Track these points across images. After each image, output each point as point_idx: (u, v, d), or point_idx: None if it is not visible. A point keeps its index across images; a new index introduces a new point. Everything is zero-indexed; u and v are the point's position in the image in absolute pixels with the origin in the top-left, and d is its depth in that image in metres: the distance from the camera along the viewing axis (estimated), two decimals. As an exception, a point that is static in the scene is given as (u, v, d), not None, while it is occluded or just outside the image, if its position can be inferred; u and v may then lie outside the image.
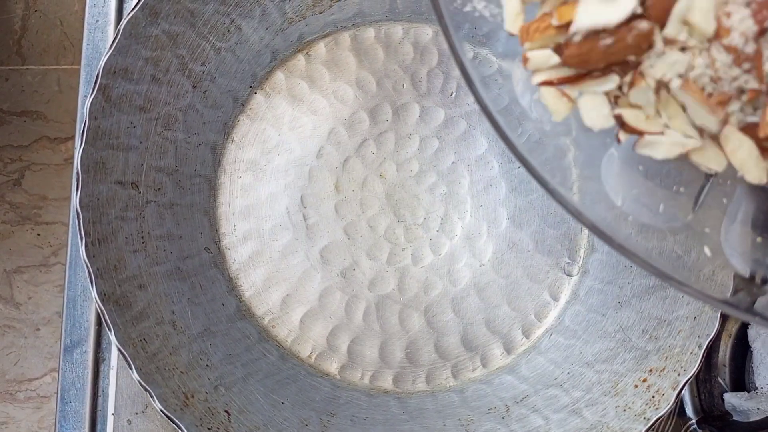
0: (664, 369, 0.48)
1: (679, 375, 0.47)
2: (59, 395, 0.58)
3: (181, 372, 0.46)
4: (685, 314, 0.49)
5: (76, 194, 0.45)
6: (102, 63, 0.46)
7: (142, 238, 0.49)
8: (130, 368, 0.44)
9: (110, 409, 0.57)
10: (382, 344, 0.57)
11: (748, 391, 0.57)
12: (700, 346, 0.47)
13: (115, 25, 0.60)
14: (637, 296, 0.53)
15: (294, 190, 0.59)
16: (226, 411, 0.47)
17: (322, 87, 0.60)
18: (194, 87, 0.53)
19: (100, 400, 0.58)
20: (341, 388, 0.55)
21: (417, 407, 0.54)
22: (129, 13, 0.46)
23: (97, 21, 0.61)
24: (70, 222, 0.58)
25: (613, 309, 0.54)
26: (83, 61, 0.61)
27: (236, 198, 0.58)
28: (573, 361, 0.54)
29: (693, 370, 0.47)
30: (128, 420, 0.57)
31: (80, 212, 0.45)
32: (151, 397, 0.43)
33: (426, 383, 0.57)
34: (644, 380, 0.48)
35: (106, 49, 0.46)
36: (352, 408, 0.53)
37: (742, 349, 0.58)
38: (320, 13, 0.57)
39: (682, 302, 0.49)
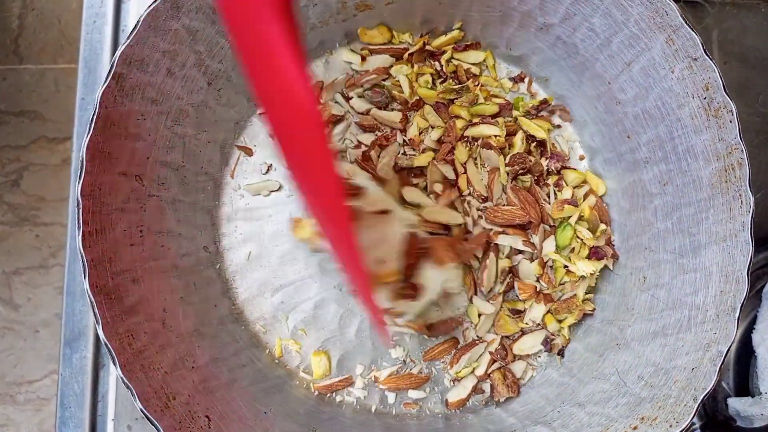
0: (656, 418, 0.46)
1: (671, 426, 0.45)
2: (59, 400, 0.57)
3: (165, 372, 0.45)
4: (684, 364, 0.47)
5: (79, 182, 0.44)
6: (119, 52, 0.45)
7: (141, 231, 0.49)
8: (114, 364, 0.43)
9: (110, 415, 0.56)
10: (371, 362, 0.56)
11: (752, 396, 0.56)
12: (695, 399, 0.46)
13: (113, 26, 0.60)
14: (636, 340, 0.51)
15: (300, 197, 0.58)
16: (207, 416, 0.46)
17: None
18: (209, 84, 0.52)
19: (100, 405, 0.57)
20: (326, 403, 0.54)
21: (400, 430, 0.53)
22: (151, 5, 0.45)
23: (95, 22, 0.60)
24: (69, 223, 0.57)
25: (611, 350, 0.52)
26: (80, 63, 0.60)
27: (241, 198, 0.57)
28: (564, 400, 0.52)
29: (685, 422, 0.45)
30: (128, 425, 0.56)
31: (80, 200, 0.44)
32: (133, 395, 0.42)
33: (414, 406, 0.55)
34: (635, 428, 0.47)
35: (124, 39, 0.45)
36: (336, 424, 0.52)
37: (746, 353, 0.58)
38: (344, 20, 0.56)
39: (681, 351, 0.48)
